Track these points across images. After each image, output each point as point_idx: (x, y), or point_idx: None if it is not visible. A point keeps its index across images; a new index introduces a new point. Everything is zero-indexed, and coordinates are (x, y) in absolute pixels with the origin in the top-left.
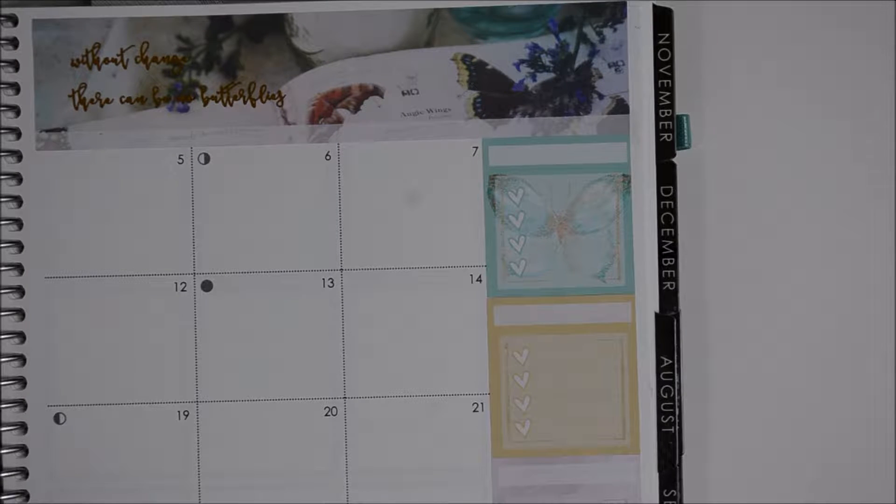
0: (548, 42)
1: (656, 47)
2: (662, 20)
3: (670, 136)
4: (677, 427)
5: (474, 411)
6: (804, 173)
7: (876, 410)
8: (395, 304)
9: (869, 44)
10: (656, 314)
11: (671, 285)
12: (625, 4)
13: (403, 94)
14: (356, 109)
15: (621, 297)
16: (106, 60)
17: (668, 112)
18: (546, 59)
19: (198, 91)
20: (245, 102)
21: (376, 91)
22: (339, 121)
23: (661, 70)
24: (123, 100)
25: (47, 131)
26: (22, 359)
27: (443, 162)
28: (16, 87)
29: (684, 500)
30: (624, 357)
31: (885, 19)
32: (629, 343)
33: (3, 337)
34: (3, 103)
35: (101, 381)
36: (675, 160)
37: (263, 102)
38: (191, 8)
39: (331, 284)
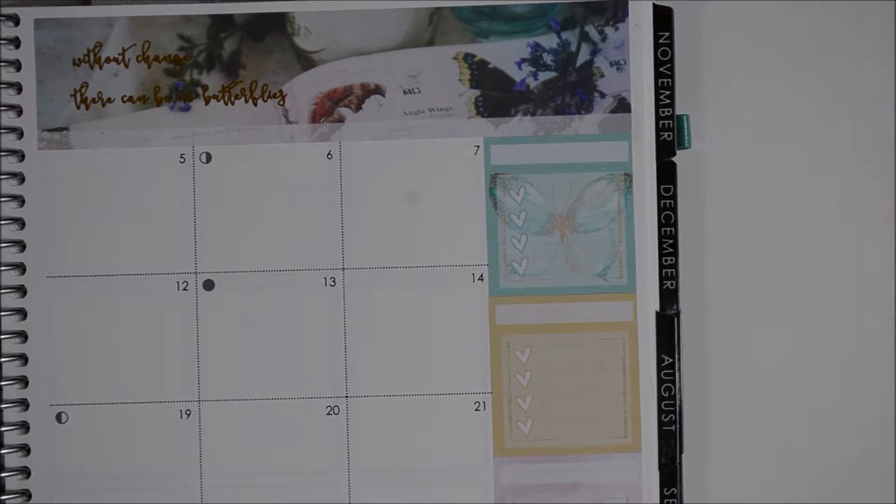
0: (549, 41)
1: (656, 46)
2: (662, 19)
3: (670, 135)
4: (678, 426)
5: (476, 410)
6: (804, 173)
7: (876, 410)
8: (396, 303)
9: (869, 44)
10: (657, 313)
11: (671, 284)
12: (626, 3)
13: (405, 92)
14: (358, 108)
15: (622, 295)
16: (108, 60)
17: (669, 111)
18: (548, 58)
19: (199, 90)
20: (246, 101)
21: (378, 90)
22: (341, 120)
23: (661, 69)
24: (125, 99)
25: (49, 131)
26: (23, 358)
27: (444, 161)
28: (18, 87)
29: (684, 500)
30: (625, 356)
31: (885, 19)
32: (630, 342)
33: (4, 336)
34: (5, 103)
35: (103, 380)
36: (675, 159)
37: (265, 101)
38: (192, 7)
39: (332, 283)
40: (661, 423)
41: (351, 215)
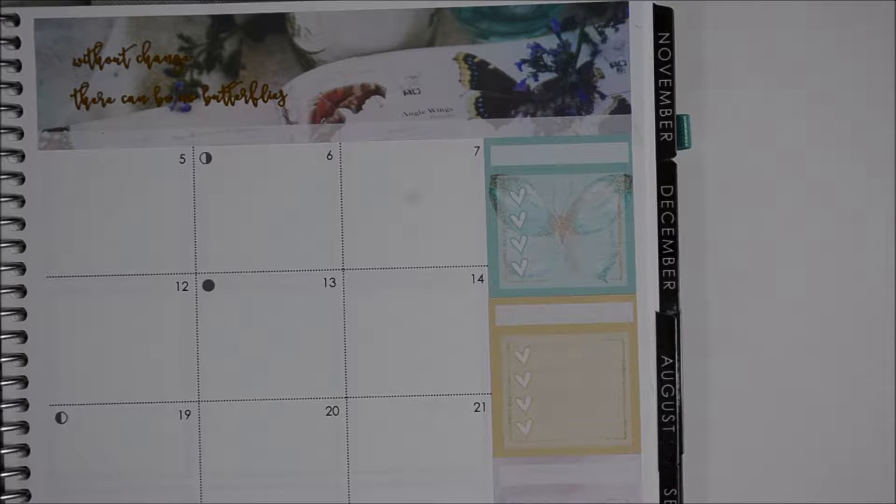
0: (550, 42)
1: (656, 47)
2: (663, 20)
3: (671, 135)
4: (678, 426)
5: (476, 411)
6: (804, 173)
7: (876, 410)
8: (396, 303)
9: (869, 44)
10: (657, 313)
11: (671, 285)
12: (626, 4)
13: (405, 93)
14: (358, 109)
15: (622, 296)
16: (108, 60)
17: (669, 112)
18: (548, 59)
19: (199, 90)
20: (247, 102)
21: (378, 91)
22: (341, 120)
23: (661, 70)
24: (125, 99)
25: (49, 131)
26: (23, 358)
27: (444, 162)
28: (18, 87)
29: (684, 500)
30: (625, 356)
31: (885, 19)
32: (630, 342)
33: (4, 336)
34: (5, 103)
35: (103, 380)
36: (675, 160)
37: (265, 102)
38: (192, 7)
39: (332, 284)
40: (660, 424)
41: (351, 216)
